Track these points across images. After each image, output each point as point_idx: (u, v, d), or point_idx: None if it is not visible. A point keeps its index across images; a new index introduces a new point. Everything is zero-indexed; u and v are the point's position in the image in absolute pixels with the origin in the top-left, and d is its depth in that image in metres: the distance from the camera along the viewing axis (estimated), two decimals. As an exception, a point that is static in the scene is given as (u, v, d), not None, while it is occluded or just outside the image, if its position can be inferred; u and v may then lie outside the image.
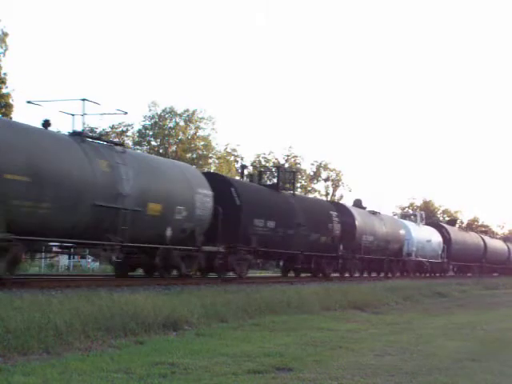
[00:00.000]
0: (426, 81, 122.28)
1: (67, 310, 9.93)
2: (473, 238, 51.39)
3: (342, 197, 65.52)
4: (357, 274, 31.39)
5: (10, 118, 30.03)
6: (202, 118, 56.88)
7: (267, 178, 57.89)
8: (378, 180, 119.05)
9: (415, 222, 41.49)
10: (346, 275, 29.54)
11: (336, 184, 66.41)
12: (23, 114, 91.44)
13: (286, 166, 62.45)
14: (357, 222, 29.30)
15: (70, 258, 40.43)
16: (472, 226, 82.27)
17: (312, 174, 66.05)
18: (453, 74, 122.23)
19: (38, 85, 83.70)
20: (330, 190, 66.94)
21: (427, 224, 44.97)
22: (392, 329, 13.22)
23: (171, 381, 7.05)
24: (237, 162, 60.23)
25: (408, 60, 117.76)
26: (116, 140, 34.95)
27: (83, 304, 10.55)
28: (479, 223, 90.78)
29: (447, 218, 75.35)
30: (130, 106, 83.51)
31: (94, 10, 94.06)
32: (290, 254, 24.25)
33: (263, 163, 60.86)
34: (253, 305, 14.38)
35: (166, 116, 56.52)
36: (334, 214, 27.52)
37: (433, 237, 41.30)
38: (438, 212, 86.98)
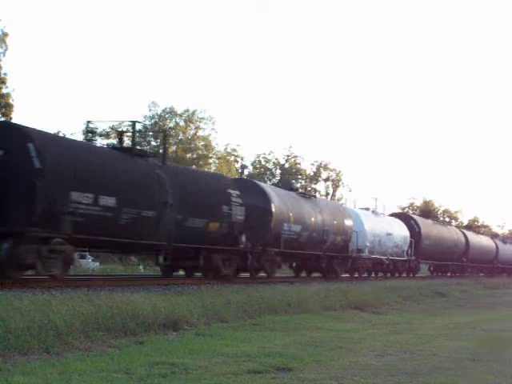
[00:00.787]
0: (425, 81, 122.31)
1: (67, 310, 9.92)
2: (451, 233, 45.55)
3: (342, 197, 65.56)
4: (278, 274, 25.82)
5: (10, 119, 30.04)
6: (202, 118, 56.91)
7: (267, 178, 57.93)
8: (377, 180, 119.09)
9: (373, 211, 34.55)
10: (263, 275, 23.31)
11: (336, 184, 66.41)
12: (23, 114, 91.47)
13: (286, 166, 62.50)
14: (273, 206, 22.19)
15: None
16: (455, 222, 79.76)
17: (312, 174, 66.05)
18: (453, 74, 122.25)
19: (38, 85, 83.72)
20: (330, 190, 66.98)
21: (392, 215, 39.52)
22: (392, 329, 13.22)
23: (171, 381, 7.04)
24: (237, 162, 60.25)
25: (408, 60, 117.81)
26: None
27: (83, 304, 10.55)
28: (479, 223, 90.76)
29: (447, 219, 74.34)
30: (129, 105, 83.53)
31: (95, 10, 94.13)
32: (143, 244, 17.29)
33: (263, 163, 60.86)
34: (253, 305, 14.38)
35: (166, 116, 56.54)
36: (235, 193, 20.77)
37: (396, 230, 34.90)
38: (438, 212, 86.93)
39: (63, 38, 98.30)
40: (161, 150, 54.20)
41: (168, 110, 56.58)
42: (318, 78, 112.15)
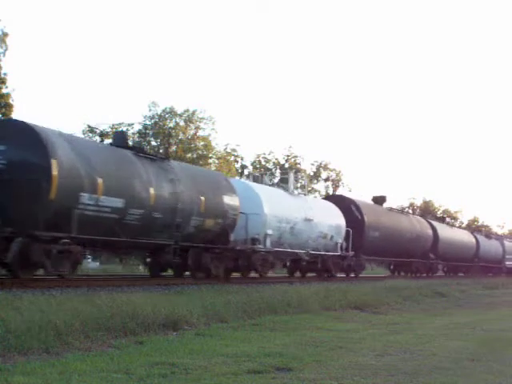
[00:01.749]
0: (425, 81, 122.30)
1: (67, 310, 9.93)
2: (412, 223, 37.61)
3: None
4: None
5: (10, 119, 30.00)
6: (202, 118, 56.87)
7: (267, 178, 57.83)
8: (378, 180, 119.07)
9: (286, 189, 25.67)
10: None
11: (336, 184, 66.38)
12: (23, 114, 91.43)
13: (286, 166, 62.44)
14: (54, 163, 13.98)
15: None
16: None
17: (312, 174, 66.02)
18: (453, 74, 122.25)
19: (38, 85, 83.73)
20: (330, 190, 66.94)
21: (327, 198, 33.69)
22: (392, 329, 13.22)
23: (171, 381, 7.04)
24: (237, 162, 60.24)
25: (408, 60, 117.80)
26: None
27: (83, 304, 10.56)
28: (479, 223, 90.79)
29: (447, 219, 73.74)
30: (130, 106, 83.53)
31: (95, 10, 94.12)
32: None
33: (263, 163, 60.84)
34: (253, 305, 14.38)
35: (166, 116, 56.53)
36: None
37: (322, 215, 26.14)
38: (438, 212, 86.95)
39: (63, 37, 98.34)
40: (161, 150, 54.22)
41: (168, 110, 56.55)
42: (318, 78, 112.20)
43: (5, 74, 34.22)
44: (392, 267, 38.88)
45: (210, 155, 56.86)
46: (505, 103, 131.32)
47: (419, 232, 37.88)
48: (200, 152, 55.65)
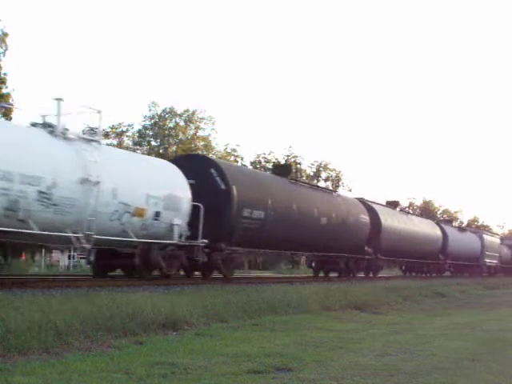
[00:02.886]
0: (425, 81, 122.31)
1: (67, 310, 9.93)
2: (336, 203, 27.64)
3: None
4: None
5: (11, 119, 30.01)
6: (202, 118, 56.93)
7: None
8: (378, 180, 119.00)
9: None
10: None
11: (336, 184, 66.37)
12: (23, 114, 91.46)
13: (286, 166, 62.40)
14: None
15: (69, 258, 40.49)
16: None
17: (312, 174, 66.02)
18: (453, 74, 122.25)
19: (38, 85, 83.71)
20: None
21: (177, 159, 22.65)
22: (392, 329, 13.22)
23: (171, 381, 7.04)
24: (237, 162, 60.25)
25: (408, 60, 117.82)
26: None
27: (83, 304, 10.55)
28: (479, 223, 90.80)
29: (447, 219, 73.42)
30: (130, 106, 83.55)
31: (95, 10, 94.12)
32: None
33: (263, 163, 60.84)
34: (253, 305, 14.38)
35: (166, 116, 56.54)
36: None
37: (138, 178, 16.70)
38: (438, 212, 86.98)
39: (63, 38, 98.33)
40: (161, 150, 54.28)
41: (168, 110, 56.60)
42: (318, 78, 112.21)
43: (5, 74, 34.23)
44: (314, 265, 30.40)
45: (210, 155, 56.92)
46: (505, 103, 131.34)
47: (344, 217, 28.18)
48: (200, 152, 55.69)
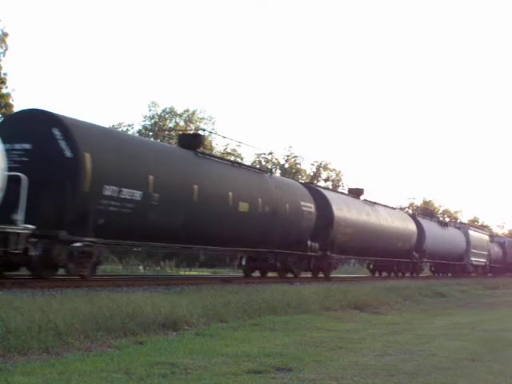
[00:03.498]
0: (425, 81, 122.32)
1: (67, 309, 9.93)
2: (284, 192, 23.38)
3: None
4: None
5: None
6: (202, 118, 56.98)
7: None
8: (378, 180, 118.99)
9: None
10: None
11: (336, 184, 66.38)
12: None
13: (286, 166, 62.45)
14: None
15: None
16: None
17: (312, 174, 66.04)
18: (453, 74, 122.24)
19: (38, 85, 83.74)
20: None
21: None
22: (392, 329, 13.22)
23: (171, 381, 7.04)
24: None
25: (408, 60, 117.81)
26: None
27: (83, 304, 10.55)
28: (479, 223, 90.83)
29: (447, 219, 72.92)
30: (130, 106, 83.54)
31: (95, 10, 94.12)
32: None
33: (263, 163, 60.86)
34: (253, 305, 14.38)
35: (166, 116, 56.58)
36: None
37: None
38: (438, 212, 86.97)
39: (63, 38, 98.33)
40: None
41: (168, 110, 56.65)
42: (318, 78, 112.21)
43: (5, 74, 34.27)
44: (245, 263, 24.84)
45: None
46: (505, 103, 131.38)
47: (296, 211, 24.09)
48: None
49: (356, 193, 32.55)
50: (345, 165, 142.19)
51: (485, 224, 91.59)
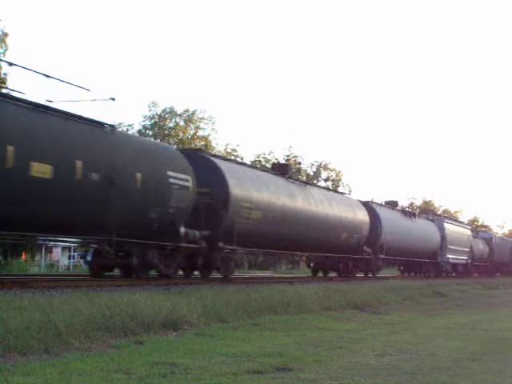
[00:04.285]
0: (425, 81, 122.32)
1: (67, 310, 9.92)
2: (126, 153, 16.22)
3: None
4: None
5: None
6: (202, 118, 56.98)
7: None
8: (378, 180, 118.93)
9: None
10: None
11: (336, 184, 66.38)
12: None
13: (286, 166, 62.38)
14: None
15: (69, 258, 40.53)
16: None
17: (312, 174, 66.04)
18: (453, 74, 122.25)
19: (38, 85, 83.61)
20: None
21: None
22: (392, 329, 13.22)
23: (171, 381, 7.04)
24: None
25: (408, 60, 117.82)
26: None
27: (83, 304, 10.54)
28: (479, 223, 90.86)
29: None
30: (130, 106, 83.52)
31: (95, 10, 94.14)
32: None
33: (263, 163, 60.88)
34: (253, 305, 14.38)
35: (166, 116, 56.58)
36: None
37: None
38: (438, 212, 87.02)
39: (63, 37, 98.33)
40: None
41: (168, 110, 56.66)
42: (318, 78, 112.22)
43: (5, 74, 34.24)
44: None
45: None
46: (505, 103, 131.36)
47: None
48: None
49: (280, 170, 25.39)
50: (345, 165, 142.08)
51: (485, 224, 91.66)
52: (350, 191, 67.67)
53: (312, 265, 30.47)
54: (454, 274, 43.82)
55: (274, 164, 29.17)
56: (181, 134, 55.83)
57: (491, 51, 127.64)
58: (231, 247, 19.78)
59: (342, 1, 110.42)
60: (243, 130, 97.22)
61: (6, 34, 34.34)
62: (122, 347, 9.20)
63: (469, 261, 46.73)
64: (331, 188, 33.82)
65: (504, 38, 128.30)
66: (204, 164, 19.64)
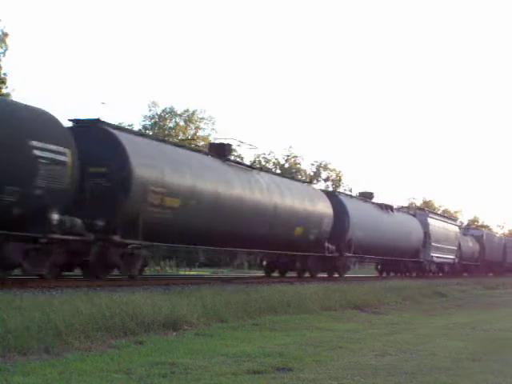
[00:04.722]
0: (425, 81, 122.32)
1: (67, 310, 9.92)
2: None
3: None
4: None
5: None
6: (202, 118, 56.96)
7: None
8: (378, 180, 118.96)
9: None
10: None
11: (336, 184, 66.34)
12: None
13: (286, 166, 62.46)
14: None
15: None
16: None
17: (312, 174, 66.01)
18: (453, 74, 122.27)
19: (38, 85, 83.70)
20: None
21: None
22: (392, 329, 13.22)
23: (171, 381, 7.04)
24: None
25: (408, 60, 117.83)
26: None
27: (83, 304, 10.55)
28: (479, 223, 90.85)
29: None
30: (130, 106, 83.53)
31: (95, 10, 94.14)
32: None
33: (263, 163, 60.86)
34: (253, 305, 14.38)
35: (166, 116, 56.59)
36: None
37: None
38: (438, 212, 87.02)
39: (63, 37, 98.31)
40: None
41: (168, 110, 56.66)
42: (318, 78, 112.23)
43: (5, 74, 34.25)
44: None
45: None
46: (505, 103, 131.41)
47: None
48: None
49: (217, 150, 21.20)
50: (345, 165, 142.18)
51: (485, 224, 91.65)
52: (350, 191, 67.82)
53: (265, 263, 26.38)
54: (440, 274, 40.98)
55: (210, 143, 24.54)
56: (181, 134, 55.81)
57: (491, 51, 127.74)
58: (135, 242, 15.93)
59: (342, 1, 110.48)
60: (243, 130, 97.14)
61: (6, 34, 34.34)
62: (122, 347, 9.20)
63: (456, 260, 43.53)
64: (288, 176, 29.58)
65: (504, 38, 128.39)
66: (101, 138, 15.74)
